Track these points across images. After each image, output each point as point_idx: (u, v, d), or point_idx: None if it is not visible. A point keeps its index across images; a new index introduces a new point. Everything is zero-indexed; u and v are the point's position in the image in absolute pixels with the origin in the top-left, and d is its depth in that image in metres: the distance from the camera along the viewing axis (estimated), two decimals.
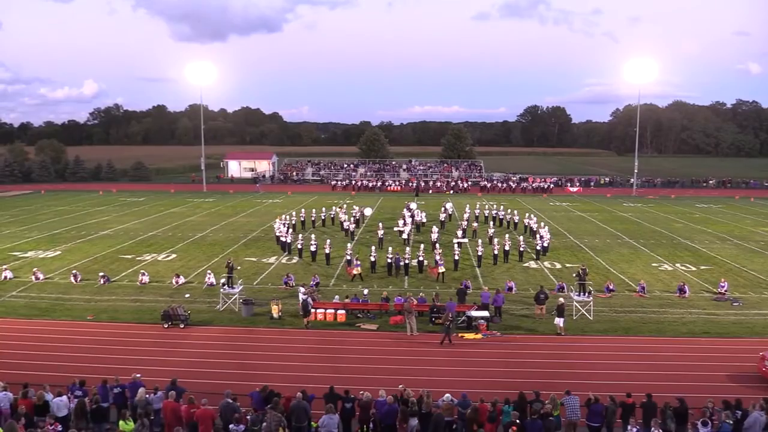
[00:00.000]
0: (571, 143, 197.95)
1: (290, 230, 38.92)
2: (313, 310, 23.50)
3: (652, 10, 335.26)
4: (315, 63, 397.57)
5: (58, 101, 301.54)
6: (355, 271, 29.79)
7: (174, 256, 35.72)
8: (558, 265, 33.56)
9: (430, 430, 14.23)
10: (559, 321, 22.22)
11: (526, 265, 33.72)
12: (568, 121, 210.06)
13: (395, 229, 40.54)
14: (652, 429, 13.37)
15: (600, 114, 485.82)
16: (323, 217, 47.24)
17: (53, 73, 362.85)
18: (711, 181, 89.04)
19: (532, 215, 45.24)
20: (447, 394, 15.17)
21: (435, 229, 38.08)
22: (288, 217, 42.81)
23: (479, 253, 33.55)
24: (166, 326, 22.85)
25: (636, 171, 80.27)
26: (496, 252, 33.85)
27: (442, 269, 29.97)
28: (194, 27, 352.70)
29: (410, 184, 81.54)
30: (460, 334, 22.26)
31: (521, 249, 35.59)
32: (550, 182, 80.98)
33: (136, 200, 64.34)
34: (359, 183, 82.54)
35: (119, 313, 24.61)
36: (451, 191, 77.65)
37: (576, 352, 20.93)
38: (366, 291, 26.19)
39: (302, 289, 25.09)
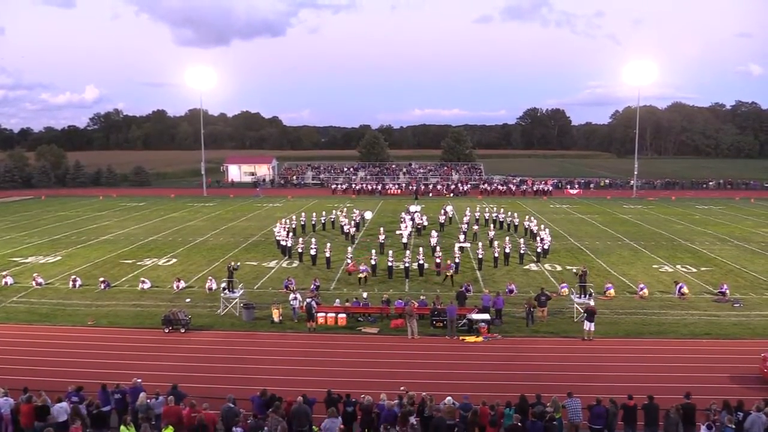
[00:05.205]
0: (570, 145, 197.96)
1: (290, 234, 38.92)
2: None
3: (655, 12, 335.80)
4: (315, 67, 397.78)
5: (60, 106, 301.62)
6: (359, 271, 29.83)
7: (174, 260, 35.71)
8: (559, 268, 33.54)
9: None
10: (589, 326, 21.93)
11: (526, 267, 33.70)
12: (568, 124, 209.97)
13: (397, 232, 40.60)
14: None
15: (600, 116, 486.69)
16: (323, 221, 47.24)
17: (55, 79, 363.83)
18: (711, 183, 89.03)
19: (532, 218, 45.21)
20: (448, 398, 15.15)
21: (434, 233, 38.04)
22: (288, 220, 42.80)
23: (480, 256, 33.54)
24: (166, 331, 22.83)
25: (636, 173, 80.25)
26: (496, 255, 33.83)
27: (450, 272, 29.95)
28: (197, 31, 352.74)
29: (410, 187, 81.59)
30: (461, 338, 22.26)
31: (522, 251, 35.56)
32: (550, 184, 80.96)
33: (137, 205, 64.35)
34: (359, 186, 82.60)
35: (120, 318, 24.59)
36: (451, 194, 77.66)
37: (577, 354, 20.91)
38: (366, 294, 26.18)
39: (295, 296, 24.76)
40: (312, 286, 27.40)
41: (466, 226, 42.30)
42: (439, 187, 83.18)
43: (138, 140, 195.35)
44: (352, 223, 43.04)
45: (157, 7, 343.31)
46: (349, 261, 31.89)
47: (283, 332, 23.03)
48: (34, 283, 29.48)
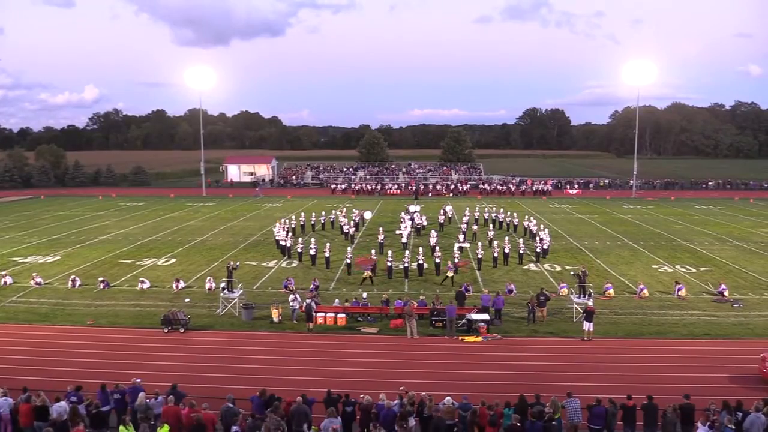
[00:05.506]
0: (570, 145, 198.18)
1: (290, 234, 38.91)
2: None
3: (655, 12, 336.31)
4: (315, 67, 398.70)
5: (59, 106, 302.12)
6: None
7: (174, 260, 35.70)
8: (558, 268, 33.55)
9: None
10: (588, 326, 21.97)
11: (526, 267, 33.71)
12: (567, 124, 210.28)
13: (397, 232, 40.56)
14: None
15: (599, 116, 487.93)
16: (323, 221, 47.23)
17: (54, 78, 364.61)
18: (710, 183, 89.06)
19: (531, 218, 45.25)
20: (448, 398, 15.15)
21: (434, 233, 38.04)
22: (288, 220, 42.80)
23: (479, 256, 33.55)
24: (166, 331, 22.82)
25: (635, 173, 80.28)
26: (495, 255, 33.83)
27: (450, 273, 29.97)
28: (197, 31, 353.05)
29: (410, 187, 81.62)
30: (460, 337, 22.26)
31: (521, 251, 35.57)
32: (550, 184, 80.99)
33: (136, 205, 64.33)
34: (359, 186, 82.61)
35: (119, 318, 24.58)
36: (451, 194, 77.67)
37: (576, 354, 20.91)
38: (365, 294, 26.18)
39: (294, 296, 24.78)
40: (311, 287, 27.41)
41: (465, 226, 42.32)
42: (438, 187, 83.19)
43: (137, 140, 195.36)
44: (352, 223, 43.06)
45: (157, 7, 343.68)
46: (348, 260, 31.85)
47: (283, 332, 23.03)
48: (33, 282, 29.46)
